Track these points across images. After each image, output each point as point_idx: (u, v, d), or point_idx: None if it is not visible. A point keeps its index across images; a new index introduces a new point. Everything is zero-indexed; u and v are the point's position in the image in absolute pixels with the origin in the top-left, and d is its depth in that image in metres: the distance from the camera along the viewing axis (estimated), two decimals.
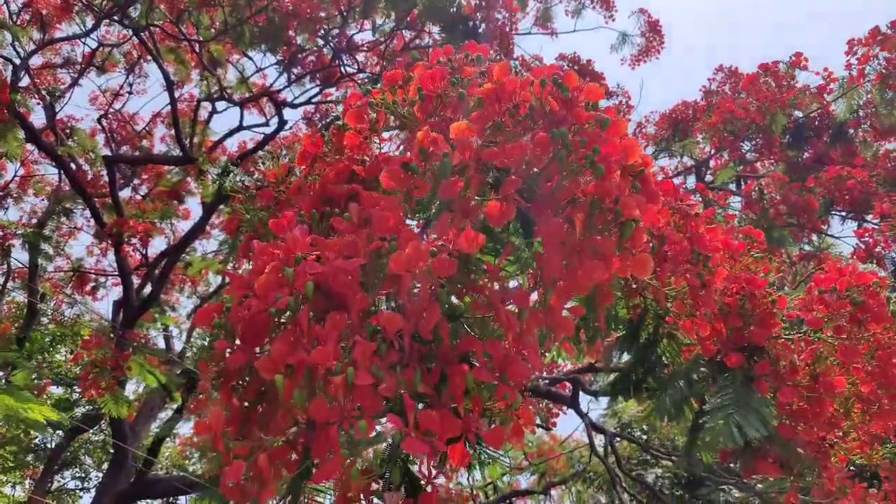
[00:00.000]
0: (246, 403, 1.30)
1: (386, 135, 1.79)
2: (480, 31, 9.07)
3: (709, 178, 9.87)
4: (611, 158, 1.20)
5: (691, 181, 10.12)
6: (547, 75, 1.29)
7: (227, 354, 1.27)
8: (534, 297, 1.32)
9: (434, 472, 1.15)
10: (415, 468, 1.33)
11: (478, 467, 1.42)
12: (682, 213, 1.94)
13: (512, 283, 1.49)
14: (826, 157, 7.71)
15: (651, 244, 1.61)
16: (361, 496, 1.16)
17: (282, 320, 1.26)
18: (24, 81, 10.44)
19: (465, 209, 1.19)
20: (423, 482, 1.16)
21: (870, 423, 2.18)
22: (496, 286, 1.23)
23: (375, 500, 1.19)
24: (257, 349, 1.29)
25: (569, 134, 1.18)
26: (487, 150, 1.20)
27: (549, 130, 1.18)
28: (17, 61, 9.54)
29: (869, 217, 5.93)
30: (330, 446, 1.07)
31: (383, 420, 1.18)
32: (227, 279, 1.48)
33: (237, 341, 1.30)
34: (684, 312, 1.98)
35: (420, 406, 1.13)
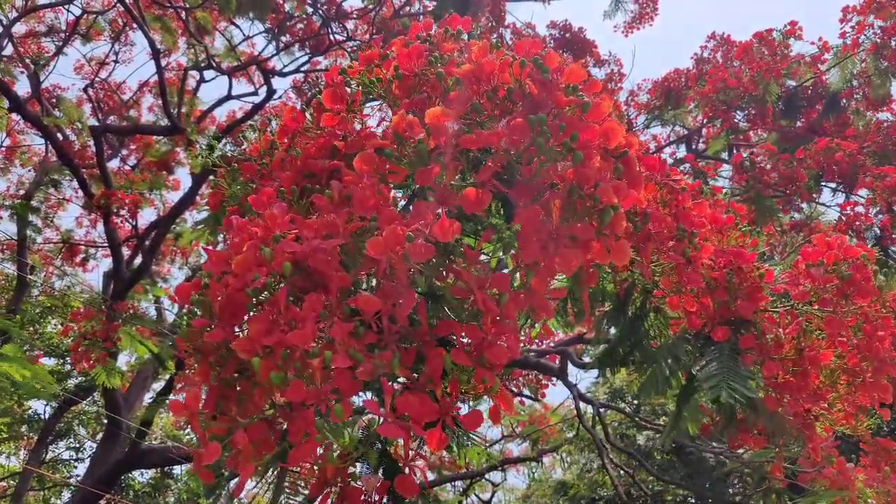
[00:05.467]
0: (224, 381, 1.28)
1: (370, 106, 1.76)
2: None
3: (701, 146, 9.83)
4: (590, 144, 1.17)
5: (683, 150, 10.09)
6: (528, 54, 1.26)
7: (206, 332, 1.26)
8: (516, 277, 1.30)
9: (412, 454, 1.15)
10: (392, 450, 1.33)
11: (455, 449, 1.42)
12: (668, 189, 1.91)
13: (493, 263, 1.47)
14: (819, 127, 7.67)
15: (635, 222, 1.59)
16: (338, 478, 1.16)
17: (260, 299, 1.25)
18: (8, 50, 10.26)
19: (442, 195, 1.17)
20: (400, 465, 1.16)
21: (855, 394, 2.19)
22: (474, 270, 1.21)
23: (353, 482, 1.18)
24: (235, 327, 1.28)
25: (547, 119, 1.15)
26: (464, 137, 1.17)
27: (528, 114, 1.16)
28: (0, 29, 9.35)
29: (857, 190, 5.92)
30: (306, 428, 1.06)
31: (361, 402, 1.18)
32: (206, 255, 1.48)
33: (215, 318, 1.28)
34: (670, 288, 1.97)
35: (398, 388, 1.12)
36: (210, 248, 1.65)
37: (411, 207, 1.64)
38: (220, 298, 1.26)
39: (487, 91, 1.26)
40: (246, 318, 1.28)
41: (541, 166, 1.16)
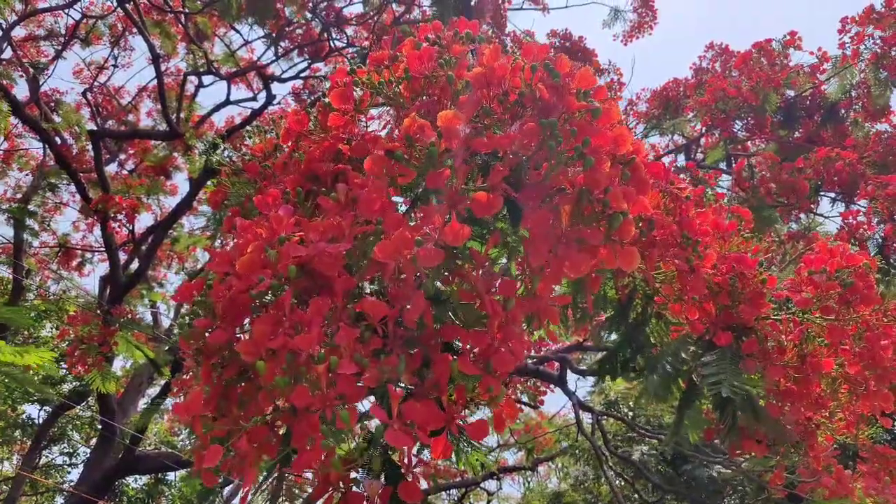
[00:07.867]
0: (225, 382, 1.27)
1: (374, 112, 1.75)
2: (472, 4, 8.93)
3: (699, 156, 9.85)
4: (601, 149, 1.16)
5: (682, 159, 10.11)
6: (538, 57, 1.25)
7: (208, 332, 1.24)
8: (520, 283, 1.29)
9: (414, 460, 1.13)
10: (395, 456, 1.31)
11: (458, 457, 1.41)
12: (672, 196, 1.91)
13: (498, 267, 1.46)
14: (818, 137, 7.68)
15: (640, 229, 1.59)
16: (341, 483, 1.14)
17: (264, 301, 1.23)
18: (7, 53, 10.26)
19: (452, 199, 1.16)
20: (403, 470, 1.14)
21: (857, 403, 2.18)
22: (482, 274, 1.20)
23: (355, 487, 1.17)
24: (238, 328, 1.27)
25: (559, 123, 1.14)
26: (475, 140, 1.17)
27: (539, 119, 1.15)
28: (0, 33, 9.36)
29: (857, 199, 5.92)
30: (311, 433, 1.05)
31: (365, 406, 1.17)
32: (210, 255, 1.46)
33: (218, 319, 1.27)
34: (673, 296, 1.96)
35: (403, 394, 1.11)
36: (212, 249, 1.65)
37: (414, 212, 1.64)
38: (223, 299, 1.25)
39: (498, 95, 1.26)
40: (248, 320, 1.27)
41: (551, 170, 1.15)
